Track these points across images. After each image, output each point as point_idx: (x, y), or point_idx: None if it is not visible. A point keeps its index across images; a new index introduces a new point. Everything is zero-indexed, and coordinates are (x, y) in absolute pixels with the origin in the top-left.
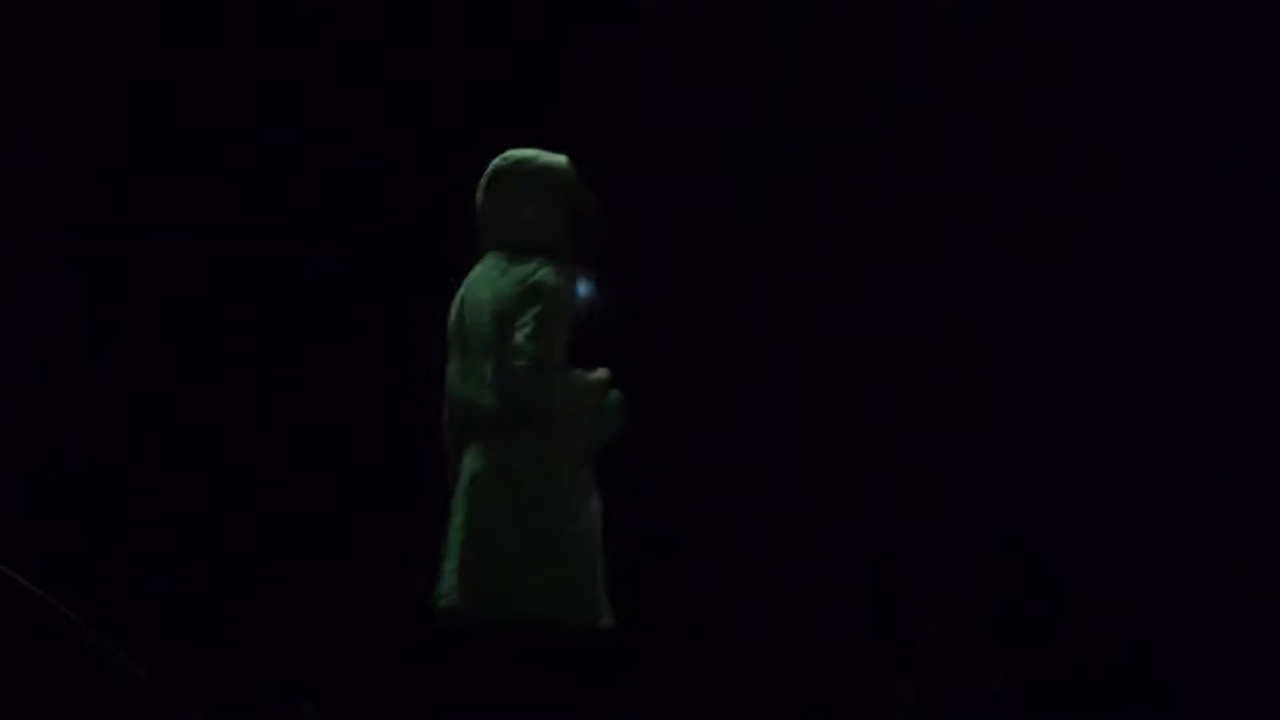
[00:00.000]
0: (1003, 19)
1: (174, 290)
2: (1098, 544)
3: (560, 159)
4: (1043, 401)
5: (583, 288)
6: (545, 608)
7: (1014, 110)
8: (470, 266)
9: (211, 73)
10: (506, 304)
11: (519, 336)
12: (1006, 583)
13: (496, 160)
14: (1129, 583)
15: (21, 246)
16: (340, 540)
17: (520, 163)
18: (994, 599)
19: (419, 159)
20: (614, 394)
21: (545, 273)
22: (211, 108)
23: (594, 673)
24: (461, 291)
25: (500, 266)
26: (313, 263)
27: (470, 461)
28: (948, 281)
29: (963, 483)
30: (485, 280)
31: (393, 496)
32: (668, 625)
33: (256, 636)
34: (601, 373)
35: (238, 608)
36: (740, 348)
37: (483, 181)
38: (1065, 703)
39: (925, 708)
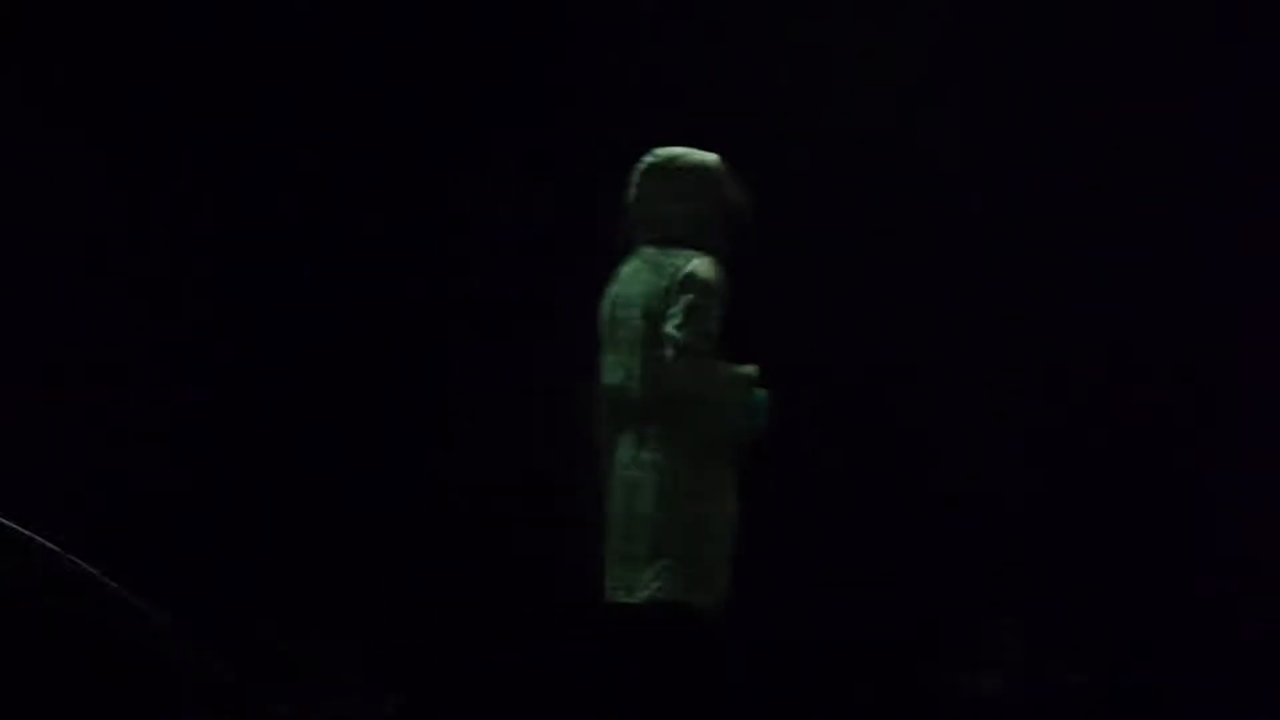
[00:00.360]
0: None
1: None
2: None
3: (710, 156)
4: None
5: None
6: (686, 592)
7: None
8: (619, 263)
9: (216, 71)
10: (656, 298)
11: (669, 327)
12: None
13: (647, 158)
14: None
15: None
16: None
17: (670, 160)
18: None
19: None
20: (760, 392)
21: (696, 265)
22: (214, 106)
23: (722, 656)
24: (613, 287)
25: (652, 262)
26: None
27: (621, 453)
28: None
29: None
30: (635, 275)
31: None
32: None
33: (347, 631)
34: (750, 368)
35: (322, 602)
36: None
37: (633, 178)
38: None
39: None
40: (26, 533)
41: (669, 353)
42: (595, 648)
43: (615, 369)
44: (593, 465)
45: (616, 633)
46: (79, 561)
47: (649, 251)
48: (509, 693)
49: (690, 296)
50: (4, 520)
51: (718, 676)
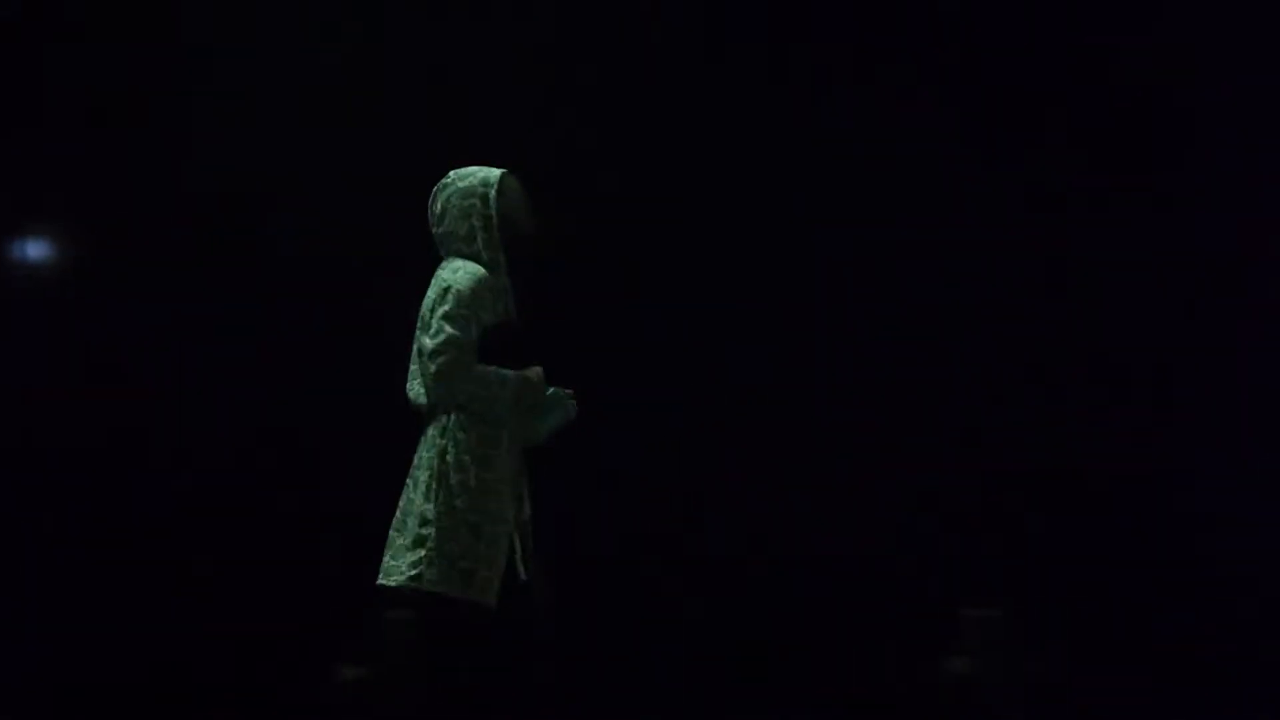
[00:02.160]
0: None
1: None
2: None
3: (491, 173)
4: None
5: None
6: (444, 585)
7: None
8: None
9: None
10: (427, 310)
11: (426, 339)
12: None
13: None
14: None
15: None
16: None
17: (454, 177)
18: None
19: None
20: (555, 390)
21: (455, 277)
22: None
23: (475, 650)
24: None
25: (436, 276)
26: None
27: (417, 454)
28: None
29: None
30: (428, 290)
31: None
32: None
33: None
34: (533, 371)
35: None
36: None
37: (430, 198)
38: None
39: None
40: None
41: (427, 365)
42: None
43: (411, 377)
44: None
45: (373, 615)
46: None
47: (441, 267)
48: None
49: (445, 308)
50: None
51: (464, 669)
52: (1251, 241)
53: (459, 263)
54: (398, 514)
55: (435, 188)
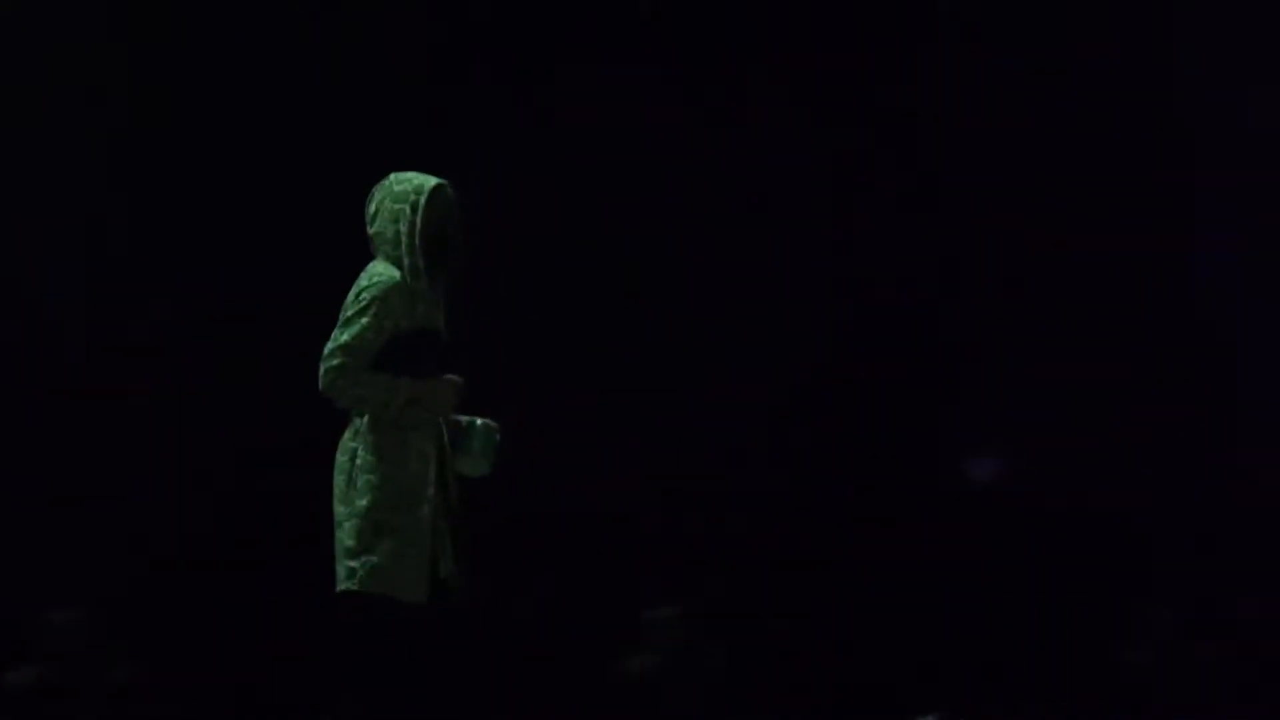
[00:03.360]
0: None
1: None
2: None
3: (422, 180)
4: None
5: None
6: (373, 585)
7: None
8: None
9: None
10: (341, 308)
11: (330, 340)
12: None
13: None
14: None
15: None
16: None
17: (391, 180)
18: None
19: None
20: (471, 421)
21: (364, 279)
22: None
23: (399, 643)
24: None
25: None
26: None
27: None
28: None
29: None
30: None
31: None
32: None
33: None
34: (441, 380)
35: None
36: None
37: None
38: None
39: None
40: None
41: (322, 364)
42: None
43: None
44: None
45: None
46: None
47: (366, 267)
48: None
49: (349, 311)
50: None
51: (388, 665)
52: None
53: (379, 265)
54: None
55: (373, 188)
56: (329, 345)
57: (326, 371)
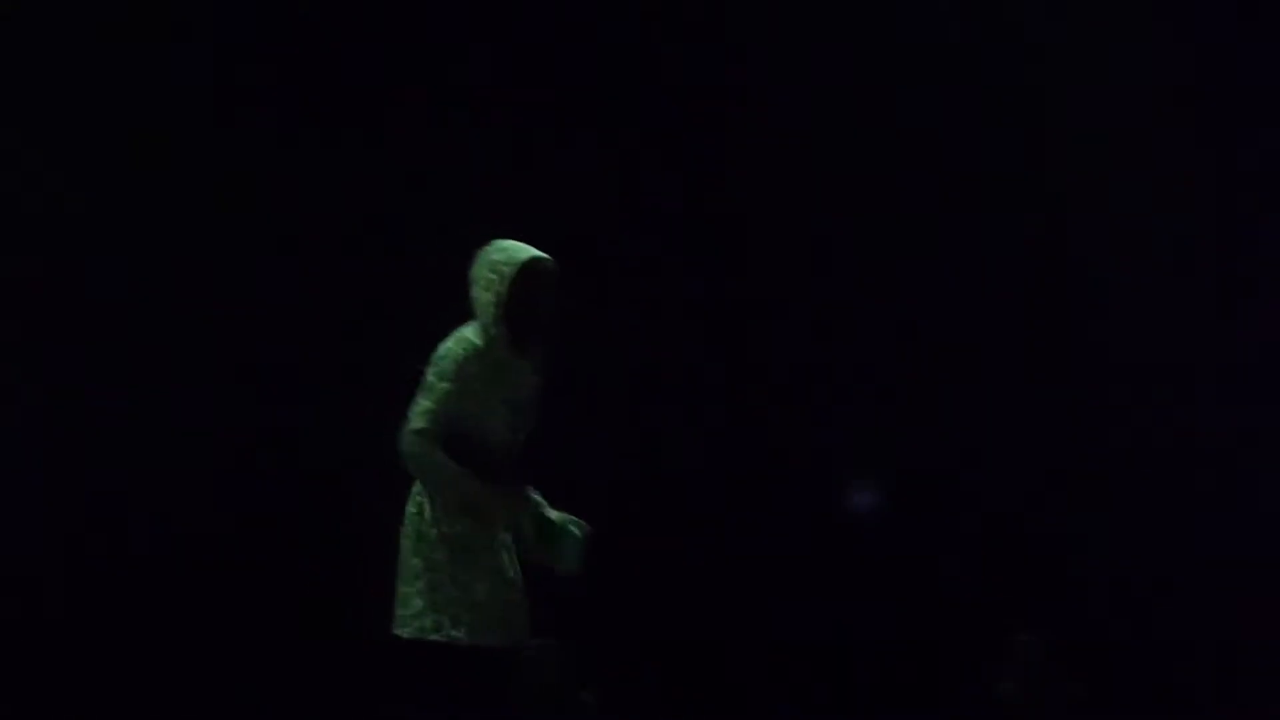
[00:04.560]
0: None
1: None
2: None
3: (517, 252)
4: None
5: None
6: (436, 631)
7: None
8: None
9: None
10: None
11: (413, 404)
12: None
13: None
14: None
15: None
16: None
17: (493, 247)
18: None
19: None
20: (560, 519)
21: (451, 345)
22: None
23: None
24: None
25: None
26: None
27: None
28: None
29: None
30: None
31: None
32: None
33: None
34: (508, 491)
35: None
36: None
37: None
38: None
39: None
40: None
41: (402, 427)
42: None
43: None
44: None
45: (391, 664)
46: None
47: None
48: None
49: (431, 375)
50: None
51: (466, 711)
52: None
53: (467, 330)
54: (399, 565)
55: (479, 250)
56: (411, 410)
57: (405, 436)
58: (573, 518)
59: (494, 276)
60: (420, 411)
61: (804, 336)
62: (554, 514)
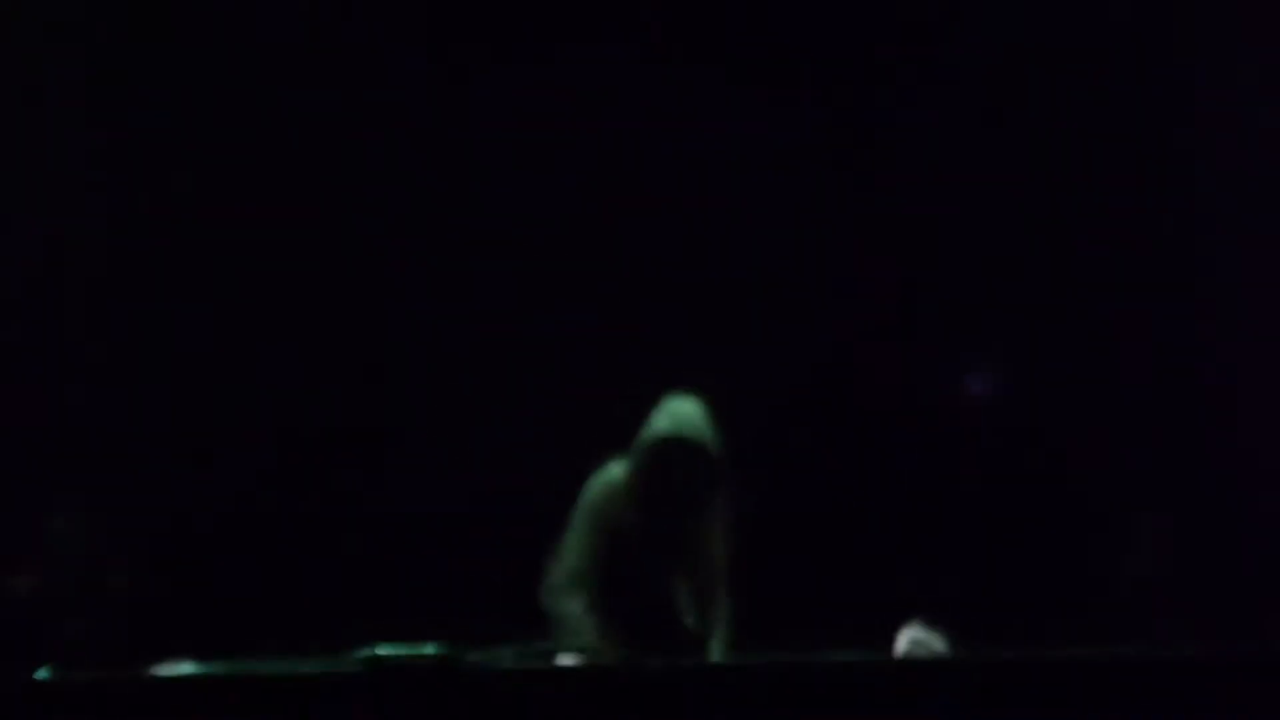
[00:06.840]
0: None
1: None
2: None
3: (658, 429)
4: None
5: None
6: None
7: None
8: None
9: None
10: None
11: (560, 545)
12: None
13: None
14: None
15: None
16: None
17: (666, 408)
18: None
19: None
20: None
21: (595, 481)
22: None
23: None
24: None
25: None
26: None
27: None
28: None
29: None
30: None
31: None
32: None
33: None
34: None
35: None
36: None
37: None
38: None
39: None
40: None
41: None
42: None
43: None
44: None
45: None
46: None
47: None
48: None
49: (574, 518)
50: None
51: None
52: None
53: (615, 465)
54: None
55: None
56: (558, 551)
57: (546, 584)
58: None
59: (640, 444)
60: (562, 566)
61: None
62: None
